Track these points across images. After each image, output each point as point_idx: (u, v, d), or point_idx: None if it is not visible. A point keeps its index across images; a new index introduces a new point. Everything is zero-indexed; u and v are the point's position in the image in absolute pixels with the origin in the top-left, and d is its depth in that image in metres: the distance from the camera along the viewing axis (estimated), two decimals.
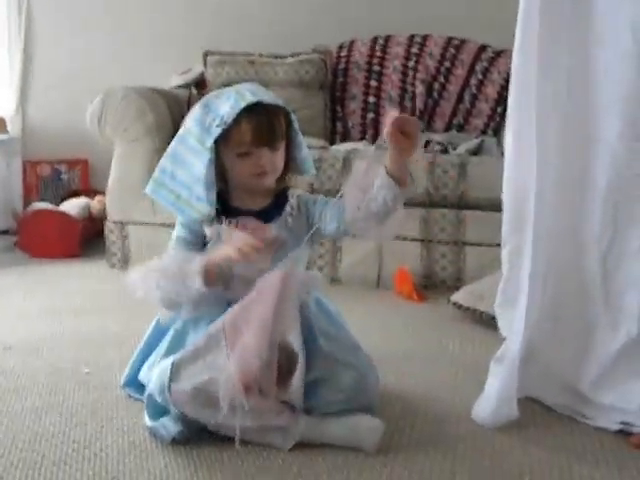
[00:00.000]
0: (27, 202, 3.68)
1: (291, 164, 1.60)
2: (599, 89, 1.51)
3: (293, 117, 1.56)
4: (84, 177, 3.89)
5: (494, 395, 1.55)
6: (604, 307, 1.56)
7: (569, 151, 1.56)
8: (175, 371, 1.41)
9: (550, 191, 1.56)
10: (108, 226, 3.03)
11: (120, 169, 3.00)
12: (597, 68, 1.50)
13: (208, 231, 1.54)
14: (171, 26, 3.85)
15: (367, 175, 1.44)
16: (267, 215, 1.57)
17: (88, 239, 3.35)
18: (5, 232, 3.55)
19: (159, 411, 1.47)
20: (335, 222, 1.52)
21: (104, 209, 3.11)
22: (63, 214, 3.33)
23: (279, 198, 1.60)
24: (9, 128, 3.74)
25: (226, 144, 1.51)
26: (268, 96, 1.52)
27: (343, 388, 1.45)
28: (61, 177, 3.88)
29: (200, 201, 1.51)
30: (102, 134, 3.02)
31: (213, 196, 1.52)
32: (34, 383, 1.76)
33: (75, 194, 3.66)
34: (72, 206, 3.40)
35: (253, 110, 1.48)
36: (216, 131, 1.48)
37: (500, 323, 1.73)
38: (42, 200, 3.70)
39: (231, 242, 1.45)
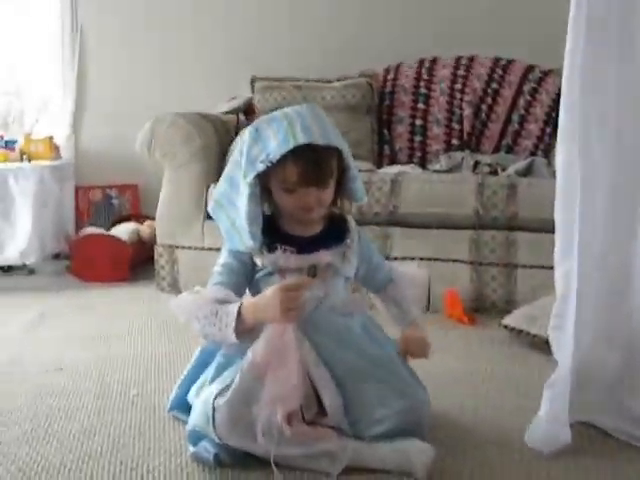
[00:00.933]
0: (79, 227, 3.74)
1: (343, 193, 1.58)
2: None
3: (346, 153, 1.51)
4: (134, 202, 3.95)
5: (546, 419, 1.51)
6: None
7: (618, 171, 1.53)
8: (217, 405, 1.39)
9: (600, 213, 1.52)
10: (157, 250, 3.05)
11: (169, 194, 3.03)
12: None
13: (259, 260, 1.52)
14: (219, 53, 3.91)
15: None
16: (319, 242, 1.54)
17: (138, 263, 3.39)
18: (57, 256, 3.61)
19: (200, 436, 1.46)
20: (373, 290, 1.74)
21: (154, 233, 3.14)
22: (114, 238, 3.37)
23: (331, 225, 1.58)
24: (62, 154, 3.82)
25: (274, 176, 1.48)
26: (321, 129, 1.45)
27: (392, 412, 1.42)
28: (112, 202, 3.94)
29: (245, 233, 1.49)
30: (151, 159, 3.06)
31: (257, 230, 1.49)
32: (83, 404, 1.77)
33: (126, 219, 3.72)
34: (122, 231, 3.45)
35: (303, 150, 1.42)
36: (260, 167, 1.45)
37: (554, 347, 1.68)
38: (93, 225, 3.76)
39: (276, 297, 1.40)
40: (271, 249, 1.51)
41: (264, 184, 1.50)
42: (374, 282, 1.71)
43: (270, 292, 1.41)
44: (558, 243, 1.60)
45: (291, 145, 1.41)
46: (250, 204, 1.47)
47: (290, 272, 1.51)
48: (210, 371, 1.53)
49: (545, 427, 1.51)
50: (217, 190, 1.57)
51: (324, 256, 1.52)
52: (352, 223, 1.60)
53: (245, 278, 1.55)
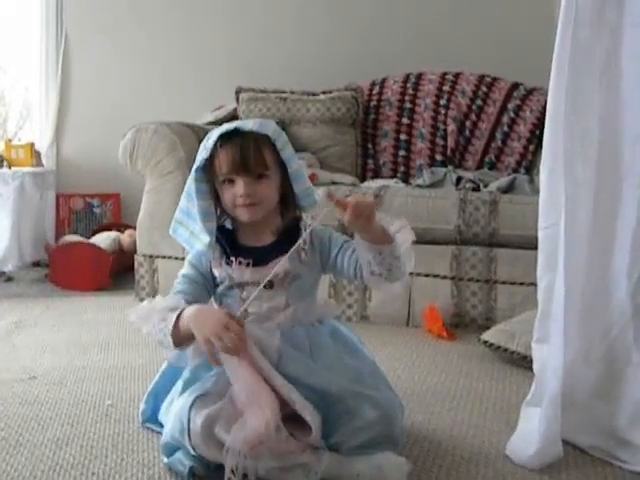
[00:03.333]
0: (59, 235, 3.72)
1: (291, 200, 1.56)
2: (627, 126, 1.50)
3: (281, 146, 1.52)
4: (116, 211, 3.93)
5: (537, 436, 1.50)
6: (635, 343, 1.52)
7: (599, 187, 1.54)
8: (192, 415, 1.37)
9: (581, 227, 1.53)
10: (138, 259, 3.04)
11: (150, 203, 3.02)
12: (626, 106, 1.50)
13: (217, 272, 1.53)
14: (205, 64, 3.91)
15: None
16: (272, 251, 1.52)
17: (118, 272, 3.37)
18: (37, 264, 3.58)
19: (174, 447, 1.44)
20: (352, 271, 1.52)
21: (134, 242, 3.12)
22: (94, 247, 3.35)
23: (287, 234, 1.55)
24: (44, 161, 3.80)
25: (214, 172, 1.51)
26: (258, 123, 1.50)
27: (366, 422, 1.40)
28: (94, 210, 3.92)
29: (202, 232, 1.51)
30: (133, 168, 3.05)
31: (212, 225, 1.52)
32: (56, 414, 1.74)
33: (107, 228, 3.70)
34: (102, 239, 3.43)
35: (232, 138, 1.48)
36: (199, 160, 1.51)
37: (535, 361, 1.67)
38: (74, 233, 3.74)
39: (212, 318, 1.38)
40: (228, 262, 1.53)
41: (214, 187, 1.53)
42: (348, 266, 1.53)
43: (217, 313, 1.41)
44: (540, 257, 1.60)
45: (221, 131, 1.48)
46: (199, 200, 1.51)
47: (249, 285, 1.51)
48: (177, 387, 1.52)
49: (537, 443, 1.49)
50: (178, 209, 1.58)
51: (279, 266, 1.47)
52: (305, 222, 1.57)
53: (205, 288, 1.55)
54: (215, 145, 1.49)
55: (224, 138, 1.49)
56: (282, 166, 1.53)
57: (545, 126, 1.57)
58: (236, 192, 1.49)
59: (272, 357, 1.43)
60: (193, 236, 1.54)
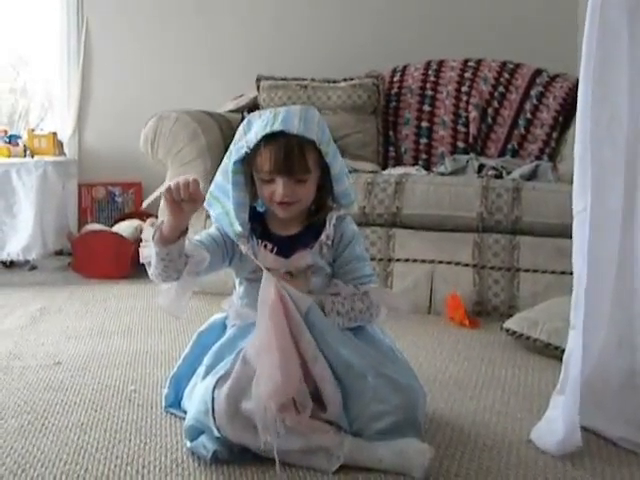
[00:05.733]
0: (82, 224, 3.75)
1: (328, 197, 1.58)
2: None
3: (326, 149, 1.51)
4: (138, 199, 3.94)
5: (561, 423, 1.49)
6: None
7: (629, 173, 1.52)
8: (216, 395, 1.39)
9: (610, 212, 1.52)
10: None
11: None
12: None
13: (243, 248, 1.53)
14: (225, 51, 3.91)
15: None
16: (297, 242, 1.55)
17: (140, 261, 3.37)
18: (60, 253, 3.61)
19: (198, 431, 1.45)
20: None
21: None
22: (116, 235, 3.37)
23: (313, 224, 1.58)
24: (66, 151, 3.82)
25: (254, 165, 1.51)
26: (303, 123, 1.47)
27: (390, 407, 1.40)
28: (115, 199, 3.94)
29: (235, 220, 1.52)
30: (154, 157, 3.06)
31: (244, 217, 1.53)
32: (81, 399, 1.76)
33: (129, 216, 3.72)
34: (125, 228, 3.45)
35: (277, 138, 1.46)
36: (240, 153, 1.50)
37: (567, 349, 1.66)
38: (96, 222, 3.76)
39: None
40: (256, 243, 1.55)
41: (251, 176, 1.54)
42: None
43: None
44: (574, 244, 1.58)
45: (266, 131, 1.46)
46: (234, 191, 1.51)
47: (270, 271, 1.52)
48: (200, 373, 1.54)
49: (559, 430, 1.49)
50: (213, 182, 1.59)
51: (301, 258, 1.53)
52: (333, 218, 1.57)
53: (222, 250, 1.55)
54: (259, 142, 1.48)
55: (268, 136, 1.47)
56: (324, 166, 1.53)
57: (577, 112, 1.55)
58: (275, 190, 1.50)
59: (302, 311, 1.44)
60: (226, 215, 1.54)
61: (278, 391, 1.33)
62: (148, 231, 1.45)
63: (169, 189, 1.38)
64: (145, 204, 3.10)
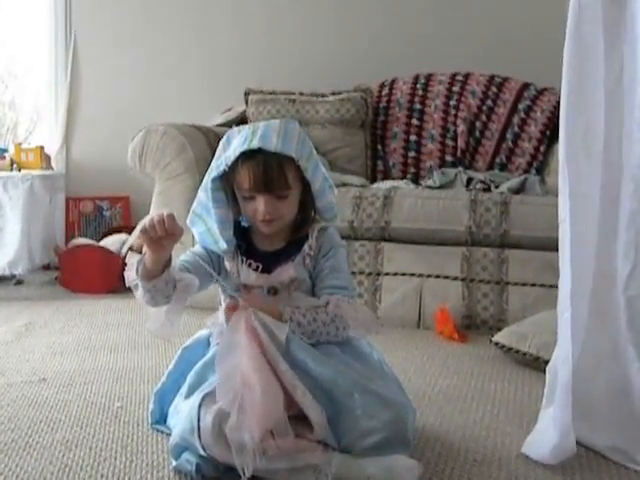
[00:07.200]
0: (69, 238, 3.72)
1: (311, 210, 1.58)
2: (627, 119, 1.49)
3: (305, 165, 1.49)
4: (126, 214, 3.93)
5: (553, 430, 1.48)
6: (629, 332, 1.51)
7: (606, 183, 1.53)
8: (202, 414, 1.36)
9: (588, 222, 1.53)
10: None
11: (160, 205, 3.01)
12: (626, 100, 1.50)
13: (228, 265, 1.54)
14: (213, 65, 3.91)
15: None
16: (282, 256, 1.56)
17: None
18: (47, 267, 3.59)
19: (182, 449, 1.43)
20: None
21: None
22: (104, 249, 3.35)
23: (297, 239, 1.58)
24: (54, 164, 3.80)
25: (234, 182, 1.51)
26: (282, 139, 1.46)
27: (378, 424, 1.38)
28: (103, 213, 3.93)
29: (219, 238, 1.52)
30: (142, 170, 3.04)
31: (229, 233, 1.53)
32: (66, 416, 1.74)
33: (117, 231, 3.69)
34: (112, 242, 3.43)
35: (255, 156, 1.46)
36: (218, 171, 1.49)
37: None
38: (84, 236, 3.74)
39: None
40: (240, 260, 1.55)
41: (233, 192, 1.54)
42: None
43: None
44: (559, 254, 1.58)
45: (244, 148, 1.45)
46: (216, 208, 1.51)
47: (254, 288, 1.53)
48: (182, 392, 1.52)
49: (550, 438, 1.48)
50: (196, 200, 1.58)
51: (285, 273, 1.53)
52: (315, 230, 1.58)
53: (208, 265, 1.54)
54: (237, 160, 1.47)
55: (246, 154, 1.47)
56: (305, 181, 1.52)
57: (559, 123, 1.56)
58: (257, 208, 1.49)
59: (280, 344, 1.41)
60: (209, 233, 1.54)
61: (259, 423, 1.31)
62: (132, 258, 1.45)
63: (144, 229, 1.37)
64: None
